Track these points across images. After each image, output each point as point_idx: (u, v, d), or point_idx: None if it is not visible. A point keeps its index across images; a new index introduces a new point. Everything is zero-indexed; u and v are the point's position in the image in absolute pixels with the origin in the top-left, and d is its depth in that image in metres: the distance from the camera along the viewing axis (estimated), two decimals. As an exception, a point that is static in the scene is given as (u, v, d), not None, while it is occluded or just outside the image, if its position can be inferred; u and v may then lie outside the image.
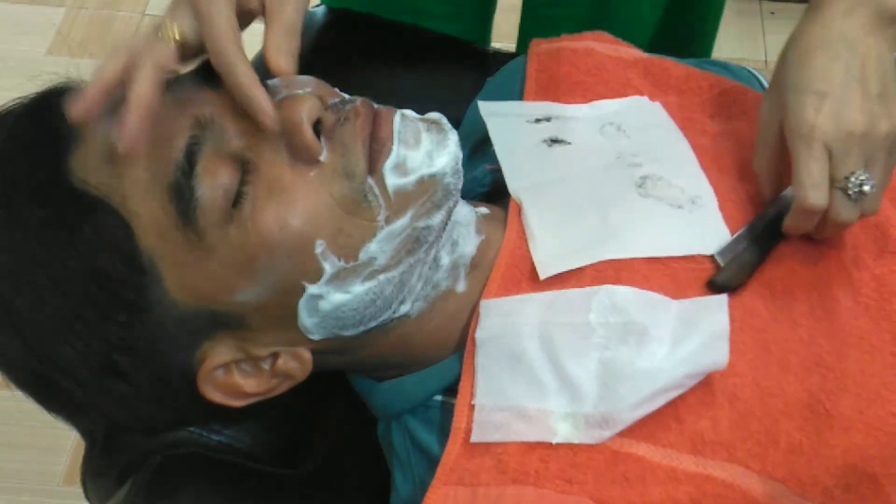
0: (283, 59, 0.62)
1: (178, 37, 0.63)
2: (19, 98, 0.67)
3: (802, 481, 0.61)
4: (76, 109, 0.59)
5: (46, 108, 0.65)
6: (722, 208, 0.72)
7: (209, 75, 0.64)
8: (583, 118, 0.80)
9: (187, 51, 0.63)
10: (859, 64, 0.66)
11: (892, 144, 0.66)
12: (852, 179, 0.65)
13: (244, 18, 0.65)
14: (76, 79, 0.68)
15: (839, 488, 0.61)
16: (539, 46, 0.87)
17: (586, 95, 0.81)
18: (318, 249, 0.62)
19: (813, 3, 0.70)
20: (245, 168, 0.62)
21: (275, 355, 0.66)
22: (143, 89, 0.59)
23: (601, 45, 0.86)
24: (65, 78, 0.68)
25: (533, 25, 1.09)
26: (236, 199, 0.61)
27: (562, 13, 1.04)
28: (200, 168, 0.61)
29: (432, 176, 0.64)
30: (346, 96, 0.67)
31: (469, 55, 1.04)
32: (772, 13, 2.08)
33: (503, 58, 0.99)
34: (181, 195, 0.60)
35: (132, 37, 0.65)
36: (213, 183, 0.61)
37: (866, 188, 0.65)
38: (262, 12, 0.65)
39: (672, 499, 0.60)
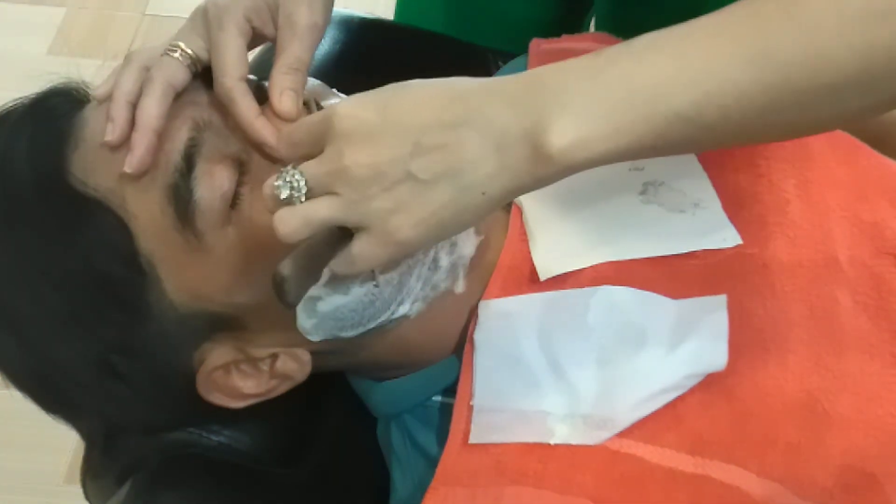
0: (286, 99, 0.63)
1: (191, 55, 0.64)
2: (19, 98, 0.67)
3: (801, 481, 0.61)
4: (115, 136, 0.61)
5: (46, 108, 0.66)
6: (726, 209, 0.72)
7: (207, 78, 0.65)
8: None
9: (199, 66, 0.65)
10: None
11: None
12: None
13: (259, 41, 0.67)
14: (76, 79, 0.69)
15: (838, 488, 0.61)
16: (539, 46, 0.87)
17: None
18: None
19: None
20: (242, 170, 0.62)
21: (273, 356, 0.66)
22: (153, 110, 0.61)
23: (602, 47, 0.85)
24: (65, 78, 0.68)
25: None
26: (234, 201, 0.61)
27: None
28: (199, 170, 0.61)
29: None
30: (344, 97, 0.68)
31: (469, 55, 1.04)
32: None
33: (503, 58, 0.98)
34: (180, 197, 0.61)
35: (143, 46, 0.67)
36: (211, 185, 0.61)
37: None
38: (275, 41, 0.66)
39: (671, 499, 0.60)
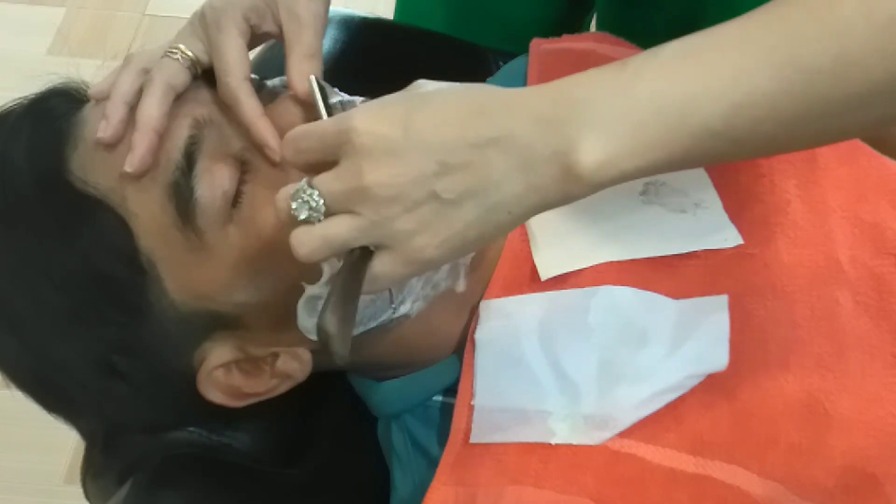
0: (307, 84, 0.63)
1: (191, 58, 0.64)
2: (19, 98, 0.67)
3: (802, 482, 0.61)
4: (107, 134, 0.61)
5: (46, 108, 0.66)
6: (727, 209, 0.72)
7: (208, 76, 0.65)
8: None
9: (199, 69, 0.65)
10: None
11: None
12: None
13: (258, 40, 0.67)
14: (76, 79, 0.69)
15: (839, 489, 0.61)
16: (540, 47, 0.87)
17: None
18: None
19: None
20: (244, 168, 0.62)
21: (274, 355, 0.66)
22: (153, 110, 0.61)
23: (602, 47, 0.86)
24: (65, 78, 0.68)
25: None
26: (235, 199, 0.61)
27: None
28: (200, 168, 0.61)
29: None
30: (346, 97, 0.68)
31: (469, 55, 1.04)
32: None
33: (503, 58, 0.98)
34: (180, 195, 0.61)
35: (143, 48, 0.67)
36: (212, 183, 0.61)
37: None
38: (280, 36, 0.66)
39: (672, 499, 0.60)
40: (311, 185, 0.52)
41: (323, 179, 0.52)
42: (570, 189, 0.51)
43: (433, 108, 0.52)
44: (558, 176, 0.50)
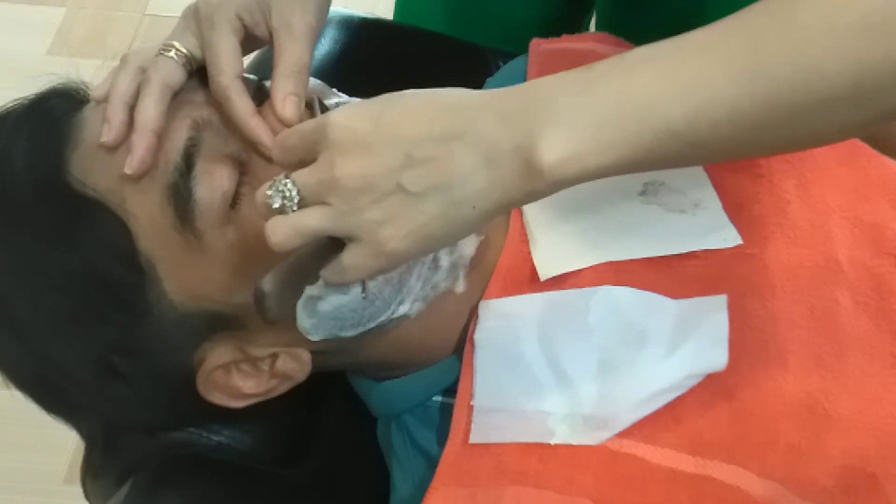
0: (290, 105, 0.63)
1: (185, 54, 0.64)
2: (19, 98, 0.67)
3: (801, 482, 0.61)
4: (111, 137, 0.61)
5: (46, 109, 0.66)
6: (726, 209, 0.72)
7: (204, 76, 0.65)
8: None
9: (194, 65, 0.65)
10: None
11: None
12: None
13: (250, 44, 0.66)
14: (76, 79, 0.69)
15: (838, 489, 0.61)
16: (539, 46, 0.87)
17: None
18: None
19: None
20: (243, 170, 0.62)
21: (274, 356, 0.66)
22: (151, 111, 0.61)
23: (603, 47, 0.85)
24: (65, 78, 0.68)
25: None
26: (234, 201, 0.62)
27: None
28: (198, 170, 0.61)
29: None
30: (344, 98, 0.68)
31: (469, 55, 1.04)
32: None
33: (503, 58, 0.98)
34: (179, 196, 0.61)
35: (138, 47, 0.66)
36: (210, 184, 0.61)
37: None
38: (271, 43, 0.66)
39: (671, 499, 0.60)
40: (287, 177, 0.54)
41: (299, 172, 0.54)
42: (532, 185, 0.51)
43: (405, 105, 0.53)
44: (520, 171, 0.51)
